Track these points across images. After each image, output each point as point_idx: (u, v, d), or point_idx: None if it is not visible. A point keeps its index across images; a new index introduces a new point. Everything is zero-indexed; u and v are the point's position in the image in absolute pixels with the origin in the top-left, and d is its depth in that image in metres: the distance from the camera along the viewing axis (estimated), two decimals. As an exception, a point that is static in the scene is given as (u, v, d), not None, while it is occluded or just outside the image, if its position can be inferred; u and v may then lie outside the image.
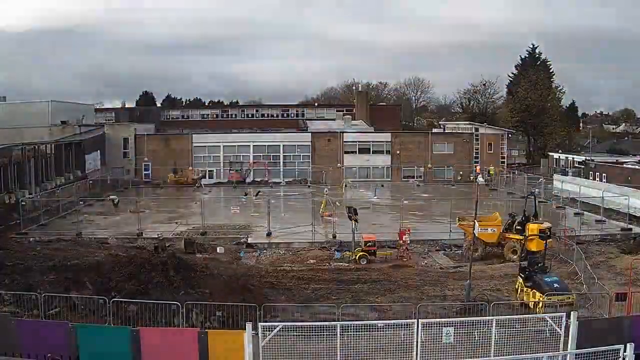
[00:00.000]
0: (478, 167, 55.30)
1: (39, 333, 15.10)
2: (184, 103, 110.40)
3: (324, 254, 28.44)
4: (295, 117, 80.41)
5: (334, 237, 30.76)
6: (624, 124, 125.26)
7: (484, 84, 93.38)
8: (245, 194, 47.59)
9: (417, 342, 14.16)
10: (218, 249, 29.04)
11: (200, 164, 58.79)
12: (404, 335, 14.55)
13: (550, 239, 23.97)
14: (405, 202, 37.36)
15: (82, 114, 65.84)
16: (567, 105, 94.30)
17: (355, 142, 61.70)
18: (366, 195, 48.34)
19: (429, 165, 59.75)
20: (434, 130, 78.45)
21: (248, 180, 57.43)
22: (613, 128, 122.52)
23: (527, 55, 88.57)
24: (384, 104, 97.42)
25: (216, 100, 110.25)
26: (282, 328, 14.13)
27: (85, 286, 19.18)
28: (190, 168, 57.56)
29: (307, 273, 24.77)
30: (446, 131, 72.76)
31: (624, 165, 52.84)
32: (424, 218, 37.84)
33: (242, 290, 19.96)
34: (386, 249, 28.69)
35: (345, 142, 60.72)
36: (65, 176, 48.56)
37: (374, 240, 27.82)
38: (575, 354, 13.79)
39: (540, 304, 18.33)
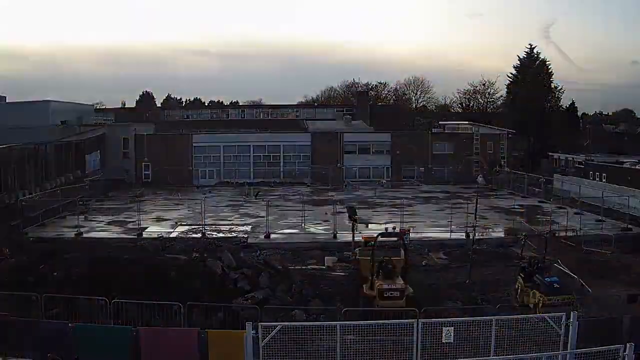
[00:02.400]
0: None
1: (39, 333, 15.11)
2: (184, 103, 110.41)
3: (324, 254, 28.40)
4: (295, 117, 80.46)
5: (335, 237, 30.76)
6: (623, 124, 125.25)
7: (484, 84, 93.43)
8: (246, 194, 47.63)
9: (417, 342, 14.17)
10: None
11: (200, 164, 58.85)
12: (404, 335, 14.55)
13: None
14: (405, 201, 37.40)
15: (82, 114, 65.89)
16: (567, 105, 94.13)
17: (355, 142, 61.71)
18: (366, 195, 48.33)
19: (429, 165, 59.75)
20: (434, 130, 78.40)
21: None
22: (613, 128, 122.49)
23: (525, 56, 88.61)
24: (384, 104, 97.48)
25: (216, 100, 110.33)
26: (282, 328, 14.13)
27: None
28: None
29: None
30: (446, 131, 72.73)
31: (624, 166, 52.84)
32: (424, 218, 37.84)
33: None
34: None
35: (345, 142, 60.72)
36: (66, 176, 48.57)
37: (375, 240, 27.72)
38: (575, 354, 13.79)
39: (540, 304, 18.31)
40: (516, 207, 41.27)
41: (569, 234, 30.31)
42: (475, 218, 25.31)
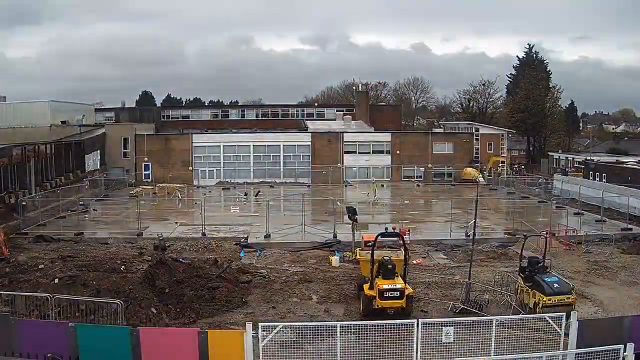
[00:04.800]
0: None
1: (39, 333, 15.09)
2: (184, 103, 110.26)
3: (324, 254, 28.39)
4: (295, 117, 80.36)
5: (335, 236, 30.73)
6: (623, 124, 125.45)
7: (484, 84, 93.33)
8: (245, 194, 47.64)
9: (417, 342, 14.16)
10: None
11: (200, 164, 58.90)
12: (404, 335, 14.54)
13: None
14: (406, 201, 37.39)
15: (82, 114, 65.93)
16: (566, 105, 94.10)
17: (355, 142, 61.73)
18: (366, 195, 48.25)
19: (429, 165, 59.77)
20: (434, 130, 78.40)
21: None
22: (613, 128, 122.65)
23: (524, 56, 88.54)
24: (384, 104, 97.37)
25: (216, 100, 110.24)
26: (282, 328, 14.13)
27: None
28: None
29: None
30: (446, 131, 72.75)
31: (624, 165, 52.84)
32: (423, 218, 37.81)
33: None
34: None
35: (345, 142, 60.75)
36: (65, 176, 48.57)
37: (375, 240, 27.69)
38: (575, 354, 13.78)
39: (540, 304, 18.31)
40: (516, 207, 41.23)
41: (569, 234, 30.28)
42: (475, 218, 25.24)
